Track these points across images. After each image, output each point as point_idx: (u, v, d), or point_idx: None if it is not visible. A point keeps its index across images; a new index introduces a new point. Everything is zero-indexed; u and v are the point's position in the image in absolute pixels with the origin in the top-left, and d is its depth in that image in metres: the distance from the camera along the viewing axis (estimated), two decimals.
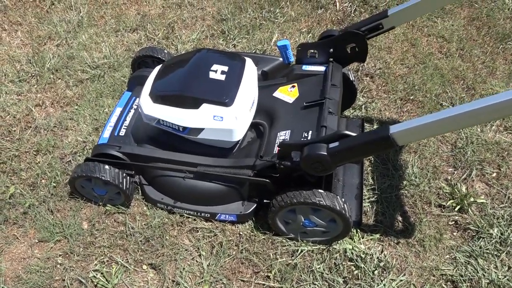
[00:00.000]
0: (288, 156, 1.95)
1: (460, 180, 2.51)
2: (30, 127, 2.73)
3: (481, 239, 2.26)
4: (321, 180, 2.08)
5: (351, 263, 2.17)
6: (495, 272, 2.14)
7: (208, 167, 2.17)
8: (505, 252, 2.21)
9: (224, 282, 2.13)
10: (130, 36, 3.28)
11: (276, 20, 3.40)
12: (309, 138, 2.11)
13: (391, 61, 3.15)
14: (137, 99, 2.59)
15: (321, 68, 2.43)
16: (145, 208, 2.36)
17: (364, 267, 2.15)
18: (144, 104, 2.19)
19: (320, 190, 2.00)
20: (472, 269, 2.16)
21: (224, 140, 2.17)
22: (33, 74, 3.00)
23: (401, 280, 2.13)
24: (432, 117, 1.59)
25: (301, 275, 2.13)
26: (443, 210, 2.39)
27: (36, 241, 2.26)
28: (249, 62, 2.31)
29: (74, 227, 2.27)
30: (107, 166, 2.20)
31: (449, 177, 2.53)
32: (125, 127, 2.46)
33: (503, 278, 2.12)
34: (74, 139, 2.65)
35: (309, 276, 2.13)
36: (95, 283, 2.11)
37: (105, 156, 2.27)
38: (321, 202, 1.97)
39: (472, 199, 2.40)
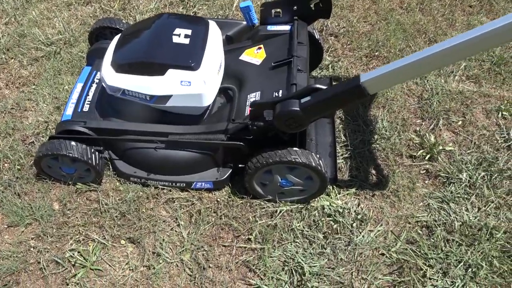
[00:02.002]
0: (260, 116, 1.93)
1: (428, 130, 2.57)
2: None
3: (451, 184, 2.34)
4: (295, 138, 2.07)
5: (330, 219, 2.20)
6: (467, 214, 2.22)
7: (180, 135, 2.12)
8: (474, 195, 2.29)
9: (206, 248, 2.12)
10: (84, 9, 3.12)
11: None
12: (279, 97, 2.08)
13: (354, 19, 3.14)
14: (98, 72, 2.48)
15: (286, 28, 2.39)
16: (117, 183, 2.30)
17: (342, 221, 2.19)
18: (107, 75, 2.10)
19: (295, 148, 1.99)
20: (445, 214, 2.23)
21: (193, 106, 2.12)
22: None
23: (378, 230, 2.18)
24: (400, 62, 1.59)
25: (281, 235, 2.14)
26: (414, 160, 2.45)
27: (6, 226, 2.16)
28: (212, 25, 2.24)
29: (44, 208, 2.19)
30: (73, 143, 2.11)
31: (417, 128, 2.58)
32: (88, 102, 2.36)
33: (474, 219, 2.20)
34: (35, 120, 2.53)
35: (290, 235, 2.14)
36: (73, 263, 2.05)
37: (70, 133, 2.17)
38: (296, 160, 1.97)
39: (440, 148, 2.46)
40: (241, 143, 2.07)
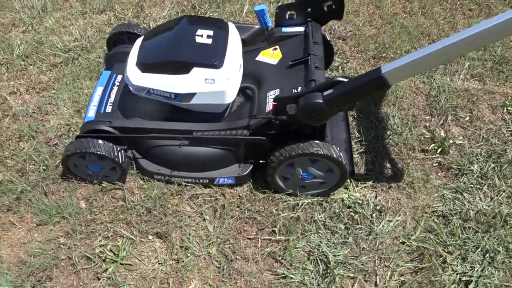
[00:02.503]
0: (283, 110, 2.01)
1: (438, 125, 2.67)
2: (8, 115, 2.63)
3: (463, 175, 2.43)
4: (315, 131, 2.15)
5: (350, 210, 2.28)
6: (480, 203, 2.31)
7: (204, 132, 2.19)
8: (486, 185, 2.38)
9: (232, 241, 2.17)
10: (99, 17, 3.21)
11: None
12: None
13: (360, 23, 3.26)
14: (118, 76, 2.56)
15: (300, 29, 2.50)
16: (141, 181, 2.35)
17: (362, 212, 2.26)
18: (132, 75, 2.18)
19: (316, 141, 2.08)
20: (459, 203, 2.32)
21: (216, 103, 2.20)
22: (2, 62, 2.88)
23: (397, 220, 2.25)
24: (418, 54, 1.69)
25: (304, 226, 2.21)
26: (427, 154, 2.54)
27: (34, 225, 2.20)
28: (231, 26, 2.34)
29: (72, 207, 2.24)
30: (100, 141, 2.17)
31: (427, 124, 2.68)
32: (111, 104, 2.43)
33: (487, 208, 2.29)
34: (57, 123, 2.59)
35: (313, 226, 2.21)
36: (103, 258, 2.10)
37: (95, 132, 2.24)
38: (318, 152, 2.05)
39: (451, 141, 2.56)
40: (264, 138, 2.15)
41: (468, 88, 2.88)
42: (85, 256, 2.09)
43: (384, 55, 3.05)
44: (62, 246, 2.12)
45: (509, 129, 2.66)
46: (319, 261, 2.10)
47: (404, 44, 3.11)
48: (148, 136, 2.23)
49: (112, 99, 2.45)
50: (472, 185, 2.39)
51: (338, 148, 2.11)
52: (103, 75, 2.66)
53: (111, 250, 2.12)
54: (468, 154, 2.51)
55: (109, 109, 2.41)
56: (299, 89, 2.20)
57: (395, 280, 2.06)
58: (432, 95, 2.83)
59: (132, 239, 2.16)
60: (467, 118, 2.72)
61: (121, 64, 2.62)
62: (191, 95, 2.14)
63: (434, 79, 2.92)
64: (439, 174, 2.47)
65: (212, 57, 2.11)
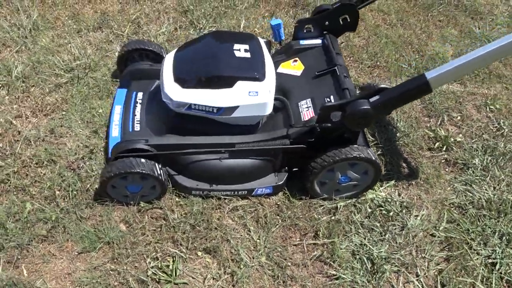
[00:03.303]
0: (328, 118, 2.12)
1: (437, 126, 2.93)
2: (18, 140, 2.47)
3: (469, 169, 2.70)
4: (352, 136, 2.29)
5: (381, 208, 2.43)
6: (487, 193, 2.58)
7: (246, 144, 2.23)
8: (488, 176, 2.66)
9: (279, 249, 2.23)
10: (95, 35, 3.12)
11: (237, 8, 3.51)
12: (332, 102, 2.30)
13: (350, 35, 3.48)
14: (139, 93, 2.52)
15: (318, 41, 2.64)
16: (177, 198, 2.33)
17: (392, 209, 2.43)
18: (172, 91, 2.17)
19: (355, 145, 2.21)
20: (470, 194, 2.57)
21: (255, 115, 2.26)
22: (0, 85, 2.70)
23: (422, 215, 2.44)
24: (459, 61, 1.90)
25: (345, 228, 2.32)
26: (433, 152, 2.78)
27: (76, 253, 2.09)
28: (261, 40, 2.41)
29: (112, 231, 2.15)
30: (143, 160, 2.13)
31: (428, 125, 2.94)
32: (138, 122, 2.39)
33: (493, 196, 2.56)
34: (75, 145, 2.48)
35: (352, 227, 2.33)
36: (157, 279, 2.05)
37: (132, 152, 2.18)
38: (360, 155, 2.18)
39: (452, 139, 2.83)
40: (304, 146, 2.24)
41: (454, 91, 3.19)
42: (138, 279, 2.03)
43: (378, 63, 3.28)
44: (111, 272, 2.04)
45: (495, 125, 2.99)
46: (365, 259, 2.22)
47: (393, 53, 3.38)
48: (189, 152, 2.22)
49: (138, 117, 2.41)
50: (477, 177, 2.66)
51: (374, 151, 2.26)
52: (119, 93, 2.60)
53: (163, 271, 2.07)
54: (468, 149, 2.79)
55: (137, 127, 2.36)
56: (332, 97, 2.33)
57: (433, 269, 2.24)
58: (426, 99, 3.10)
59: (182, 257, 2.13)
60: (459, 118, 3.01)
61: (139, 81, 2.58)
62: (234, 108, 2.18)
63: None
64: (447, 169, 2.72)
65: (255, 71, 2.17)
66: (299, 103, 2.39)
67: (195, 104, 2.18)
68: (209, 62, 2.18)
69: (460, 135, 2.89)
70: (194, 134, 2.28)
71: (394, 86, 2.03)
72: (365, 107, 2.02)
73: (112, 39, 3.08)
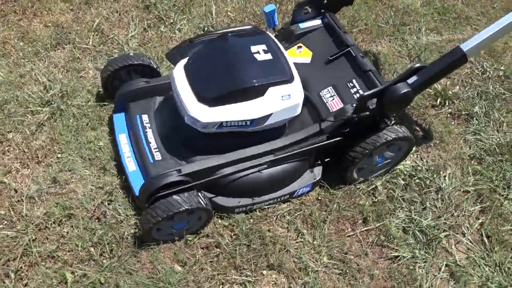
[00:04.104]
0: (365, 107, 2.06)
1: None
2: (19, 201, 2.12)
3: (473, 118, 2.81)
4: (382, 119, 2.25)
5: (414, 178, 2.47)
6: (495, 137, 2.72)
7: (285, 148, 2.11)
8: (491, 122, 2.80)
9: (337, 244, 2.20)
10: (58, 54, 2.70)
11: None
12: (356, 86, 2.24)
13: None
14: (143, 116, 2.26)
15: (318, 22, 2.50)
16: (220, 221, 2.19)
17: (422, 176, 2.48)
18: (199, 113, 1.96)
19: (392, 126, 2.18)
20: (481, 143, 2.70)
21: (288, 118, 2.13)
22: None
23: (449, 174, 2.53)
24: (490, 30, 1.92)
25: (388, 207, 2.34)
26: (437, 109, 2.85)
27: None
28: (270, 33, 2.23)
29: (169, 275, 1.98)
30: (186, 194, 1.94)
31: None
32: (157, 150, 2.16)
33: (501, 139, 2.71)
34: (88, 190, 2.19)
35: (395, 204, 2.36)
36: None
37: (163, 187, 1.97)
38: (399, 136, 2.17)
39: (450, 92, 2.91)
40: (341, 138, 2.17)
41: (433, 41, 3.25)
42: None
43: (359, 27, 3.22)
44: None
45: (479, 69, 3.11)
46: (417, 233, 2.27)
47: (369, 14, 3.33)
48: (231, 172, 2.05)
49: (154, 144, 2.17)
50: (482, 124, 2.79)
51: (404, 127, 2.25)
52: (117, 120, 2.32)
53: None
54: (466, 99, 2.90)
55: (158, 156, 2.13)
56: (354, 82, 2.25)
57: (475, 225, 2.36)
58: (413, 55, 3.13)
59: (249, 281, 2.03)
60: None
61: (137, 102, 2.31)
62: (267, 116, 2.03)
63: (406, 41, 3.22)
64: (453, 123, 2.81)
65: (283, 73, 2.02)
66: (320, 93, 2.29)
67: (226, 122, 1.99)
68: (232, 73, 1.97)
69: (455, 86, 2.97)
70: (225, 151, 2.10)
71: (431, 63, 2.00)
72: (406, 90, 1.97)
73: (79, 56, 2.69)
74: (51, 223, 2.06)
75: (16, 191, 2.15)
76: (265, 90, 1.97)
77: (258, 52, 2.04)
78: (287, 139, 2.14)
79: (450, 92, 2.90)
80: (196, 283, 1.99)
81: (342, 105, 2.20)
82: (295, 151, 2.12)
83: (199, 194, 2.00)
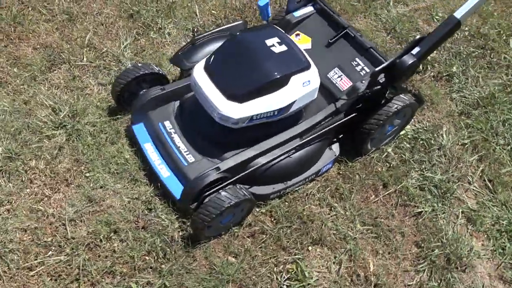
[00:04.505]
0: (376, 82, 2.24)
1: None
2: (62, 225, 2.13)
3: (453, 78, 3.08)
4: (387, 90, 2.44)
5: (418, 140, 2.70)
6: (475, 91, 3.01)
7: (309, 130, 2.25)
8: (469, 78, 3.08)
9: (365, 211, 2.38)
10: (56, 76, 2.66)
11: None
12: (360, 64, 2.41)
13: None
14: (166, 122, 2.32)
15: (310, 8, 2.64)
16: (257, 209, 2.30)
17: (423, 137, 2.71)
18: (230, 110, 2.06)
19: (399, 95, 2.38)
20: (465, 99, 2.98)
21: (308, 102, 2.26)
22: None
23: (445, 131, 2.78)
24: None
25: (402, 169, 2.56)
26: (421, 74, 3.09)
27: None
28: (274, 26, 2.35)
29: (227, 268, 2.08)
30: (231, 189, 2.04)
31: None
32: (188, 152, 2.23)
33: (480, 93, 3.00)
34: (125, 202, 2.23)
35: (407, 166, 2.58)
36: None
37: (206, 187, 2.07)
38: (406, 103, 2.37)
39: (428, 57, 3.15)
40: (356, 114, 2.34)
41: (402, 12, 3.50)
42: None
43: (336, 8, 3.39)
44: None
45: None
46: (432, 189, 2.51)
47: None
48: (268, 161, 2.16)
49: (184, 147, 2.24)
50: (463, 82, 3.07)
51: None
52: (137, 130, 2.36)
53: (295, 279, 2.11)
54: (443, 61, 3.17)
55: (191, 158, 2.21)
56: (358, 60, 2.43)
57: (477, 172, 2.63)
58: (390, 28, 3.35)
59: (299, 258, 2.17)
60: (418, 35, 3.34)
61: (154, 111, 2.35)
62: (292, 104, 2.16)
63: (379, 15, 3.44)
64: (438, 84, 3.07)
65: (300, 60, 2.14)
66: (328, 75, 2.44)
67: (256, 115, 2.10)
68: (256, 68, 2.08)
69: None
70: (253, 143, 2.22)
71: (430, 34, 2.20)
72: (412, 61, 2.17)
73: (78, 74, 2.67)
74: (99, 241, 2.09)
75: (54, 216, 2.15)
76: (288, 80, 2.09)
77: (273, 45, 2.15)
78: (309, 122, 2.29)
79: (429, 57, 3.15)
80: (252, 269, 2.11)
81: (351, 83, 2.37)
82: (318, 132, 2.27)
83: (242, 186, 2.10)
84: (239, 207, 2.10)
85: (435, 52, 3.18)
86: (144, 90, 2.44)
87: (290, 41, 2.21)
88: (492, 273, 2.30)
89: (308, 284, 2.12)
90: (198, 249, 2.13)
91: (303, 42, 2.56)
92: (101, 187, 2.27)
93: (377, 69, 2.19)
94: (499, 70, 3.18)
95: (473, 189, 2.57)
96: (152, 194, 2.27)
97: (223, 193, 2.00)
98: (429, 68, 3.11)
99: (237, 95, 2.05)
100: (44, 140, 2.37)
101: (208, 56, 2.20)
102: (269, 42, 2.16)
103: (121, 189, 2.28)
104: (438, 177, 2.54)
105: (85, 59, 2.75)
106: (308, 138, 2.25)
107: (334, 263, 2.21)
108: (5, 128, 2.36)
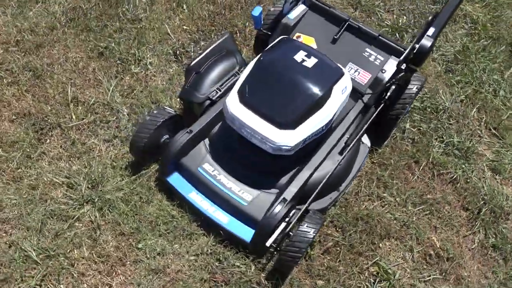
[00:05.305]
0: (400, 70, 2.26)
1: (381, 21, 3.28)
2: None
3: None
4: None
5: (425, 110, 2.82)
6: (451, 48, 3.18)
7: (352, 133, 2.25)
8: (440, 35, 3.24)
9: (410, 192, 2.47)
10: (52, 144, 2.34)
11: (142, 15, 2.96)
12: (373, 54, 2.42)
13: None
14: (204, 165, 2.17)
15: (302, 6, 2.56)
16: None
17: (433, 102, 2.84)
18: (285, 139, 1.99)
19: (413, 76, 2.43)
20: (444, 56, 3.14)
21: (342, 107, 2.23)
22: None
23: (442, 92, 2.92)
24: None
25: (425, 141, 2.67)
26: (399, 42, 3.19)
27: None
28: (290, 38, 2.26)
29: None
30: (307, 215, 2.00)
31: (376, 23, 3.27)
32: (241, 191, 2.14)
33: (457, 47, 3.19)
34: (192, 261, 2.08)
35: (427, 136, 2.69)
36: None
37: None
38: (422, 80, 2.44)
39: (399, 23, 3.25)
40: (382, 103, 2.37)
41: None
42: None
43: None
44: None
45: None
46: (455, 150, 2.66)
47: None
48: (328, 173, 2.14)
49: (235, 186, 2.13)
50: (436, 41, 3.21)
51: None
52: (174, 182, 2.21)
53: (378, 281, 2.15)
54: (412, 24, 3.28)
55: (248, 196, 2.12)
56: (368, 50, 2.44)
57: (482, 123, 2.83)
58: (353, 4, 3.37)
59: (377, 258, 2.21)
60: (385, 5, 3.41)
61: (187, 156, 2.18)
62: (336, 113, 2.12)
63: None
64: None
65: (335, 69, 2.10)
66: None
67: (309, 136, 2.03)
68: (298, 89, 2.00)
69: (400, 17, 3.32)
70: (303, 161, 2.16)
71: (441, 11, 2.25)
72: (431, 43, 2.21)
73: (74, 136, 2.36)
74: None
75: None
76: (331, 92, 2.04)
77: (304, 60, 2.06)
78: (343, 125, 2.26)
79: (400, 23, 3.26)
80: (342, 285, 2.11)
81: (370, 75, 2.38)
82: (357, 132, 2.27)
83: (314, 211, 2.06)
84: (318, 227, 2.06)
85: (404, 17, 3.31)
86: (166, 136, 2.25)
87: (315, 51, 2.14)
88: None
89: (395, 280, 2.17)
90: (286, 284, 2.07)
91: (307, 43, 2.49)
92: (159, 254, 2.09)
93: (401, 57, 2.21)
94: (460, 21, 3.38)
95: (485, 141, 2.77)
96: (213, 243, 2.14)
97: (305, 225, 1.95)
98: (404, 35, 3.21)
99: (289, 122, 1.96)
100: (75, 223, 2.10)
101: (239, 88, 2.05)
102: (298, 57, 2.07)
103: (180, 248, 2.11)
104: (456, 139, 2.69)
105: (74, 117, 2.43)
106: (351, 141, 2.23)
107: (406, 251, 2.28)
108: (26, 225, 2.04)
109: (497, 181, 2.62)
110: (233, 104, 2.03)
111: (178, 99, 2.58)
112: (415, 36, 3.19)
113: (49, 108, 2.44)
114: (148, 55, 2.76)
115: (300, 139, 2.00)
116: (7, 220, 2.06)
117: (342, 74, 2.11)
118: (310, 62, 2.07)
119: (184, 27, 2.96)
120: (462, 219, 2.44)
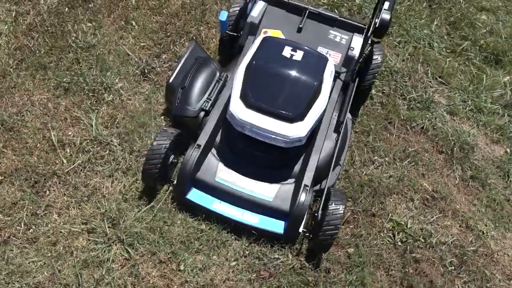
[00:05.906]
0: (366, 44, 2.49)
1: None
2: None
3: (361, 9, 3.50)
4: None
5: (382, 73, 3.11)
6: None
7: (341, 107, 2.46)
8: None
9: (396, 149, 2.75)
10: (53, 194, 2.22)
11: (99, 44, 2.85)
12: (337, 34, 2.62)
13: None
14: (220, 174, 2.23)
15: (262, 3, 2.67)
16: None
17: (386, 66, 3.13)
18: (297, 131, 2.14)
19: (374, 47, 2.68)
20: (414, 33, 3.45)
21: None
22: None
23: (389, 55, 3.24)
24: None
25: (391, 102, 2.96)
26: (360, 15, 3.43)
27: None
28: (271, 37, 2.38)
29: (355, 256, 2.26)
30: (331, 192, 2.17)
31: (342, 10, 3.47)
32: (263, 189, 2.24)
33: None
34: (234, 266, 2.16)
35: (392, 97, 2.99)
36: None
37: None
38: (382, 48, 2.70)
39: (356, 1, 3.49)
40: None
41: None
42: None
43: None
44: None
45: None
46: (417, 104, 2.99)
47: None
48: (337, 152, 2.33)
49: (256, 187, 2.25)
50: (368, 8, 3.51)
51: None
52: (195, 198, 2.25)
53: (396, 234, 2.41)
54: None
55: (270, 192, 2.24)
56: (333, 32, 2.64)
57: (429, 74, 3.19)
58: None
59: (391, 215, 2.47)
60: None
61: (200, 171, 2.23)
62: (329, 96, 2.29)
63: None
64: (357, 17, 3.45)
65: (321, 57, 2.25)
66: None
67: (315, 122, 2.19)
68: (297, 83, 2.17)
69: None
70: (307, 146, 2.31)
71: None
72: (390, 15, 2.46)
73: (74, 180, 2.26)
74: None
75: None
76: (323, 78, 2.20)
77: (292, 55, 2.19)
78: (331, 105, 2.43)
79: (357, 1, 3.47)
80: (369, 247, 2.33)
81: (341, 54, 2.58)
82: (345, 108, 2.46)
83: (335, 188, 2.24)
84: None
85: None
86: (172, 156, 2.26)
87: (297, 44, 2.27)
88: (485, 140, 2.95)
89: (408, 228, 2.45)
90: (324, 260, 2.24)
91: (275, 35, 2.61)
92: (201, 270, 2.13)
93: (368, 33, 2.42)
94: None
95: (436, 90, 3.14)
96: (246, 244, 2.23)
97: (333, 203, 2.11)
98: (363, 11, 3.42)
99: (298, 115, 2.09)
100: (112, 265, 2.05)
101: (239, 95, 2.13)
102: (286, 53, 2.19)
103: (219, 258, 2.18)
104: (415, 95, 3.02)
105: (65, 162, 2.32)
106: (343, 117, 2.42)
107: (407, 202, 2.57)
108: (63, 283, 1.97)
109: (456, 122, 3.00)
110: (240, 111, 2.10)
111: (162, 117, 2.57)
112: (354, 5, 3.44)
113: (35, 158, 2.30)
114: (116, 80, 2.69)
115: (309, 128, 2.14)
116: (41, 284, 1.95)
117: (327, 59, 2.27)
118: (298, 55, 2.20)
119: (141, 43, 2.91)
120: (441, 161, 2.78)
